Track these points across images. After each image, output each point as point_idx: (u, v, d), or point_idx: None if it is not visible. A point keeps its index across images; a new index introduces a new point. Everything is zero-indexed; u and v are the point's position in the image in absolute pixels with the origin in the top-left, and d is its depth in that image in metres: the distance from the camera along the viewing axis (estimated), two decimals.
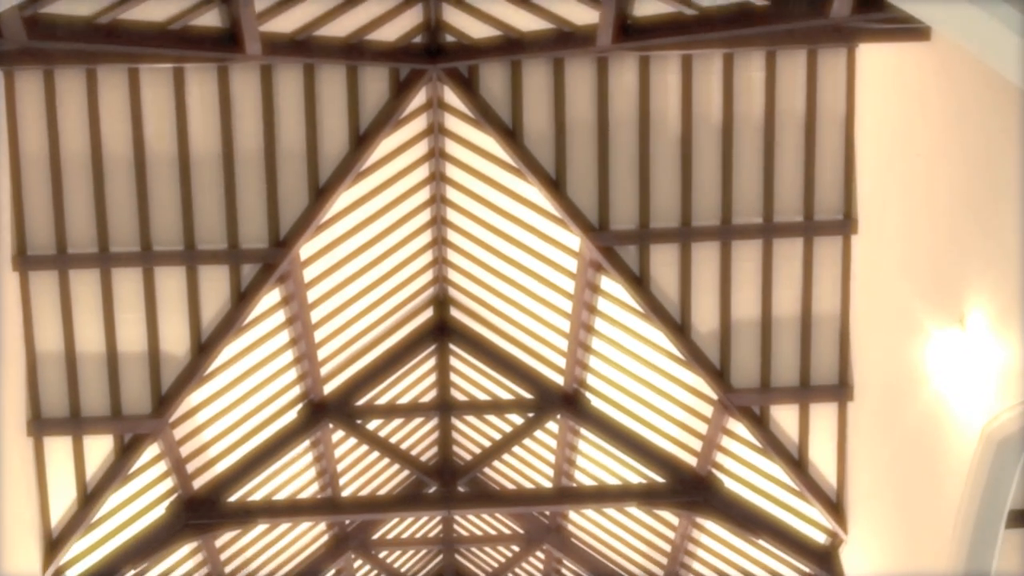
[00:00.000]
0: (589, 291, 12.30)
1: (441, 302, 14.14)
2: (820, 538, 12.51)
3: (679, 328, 11.58)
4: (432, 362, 14.94)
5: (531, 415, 13.97)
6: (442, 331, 14.27)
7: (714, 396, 12.09)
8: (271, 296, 11.85)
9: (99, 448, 11.66)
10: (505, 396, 14.79)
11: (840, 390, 11.54)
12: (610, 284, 12.02)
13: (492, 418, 15.52)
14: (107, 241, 10.86)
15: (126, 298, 11.17)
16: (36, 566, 11.48)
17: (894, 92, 10.04)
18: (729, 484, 13.15)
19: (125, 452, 11.69)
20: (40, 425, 11.29)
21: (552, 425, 14.74)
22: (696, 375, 12.02)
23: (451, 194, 12.71)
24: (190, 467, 12.87)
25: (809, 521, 12.49)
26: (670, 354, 12.26)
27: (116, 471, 11.69)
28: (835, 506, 11.92)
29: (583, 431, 14.41)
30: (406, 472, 16.57)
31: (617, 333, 12.75)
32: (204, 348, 11.41)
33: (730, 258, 11.31)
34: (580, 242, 11.59)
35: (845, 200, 11.03)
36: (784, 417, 11.92)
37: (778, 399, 11.75)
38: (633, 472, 14.37)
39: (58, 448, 11.48)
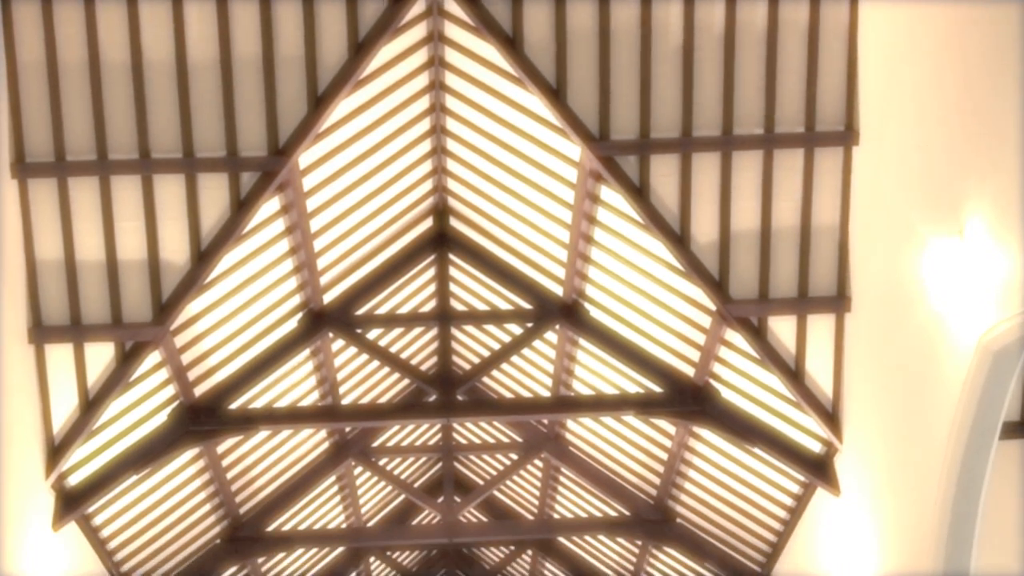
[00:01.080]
0: (589, 201, 12.29)
1: (441, 212, 14.13)
2: (815, 447, 12.64)
3: (679, 239, 11.58)
4: (432, 272, 14.98)
5: (530, 325, 14.03)
6: (442, 241, 14.28)
7: (712, 307, 12.13)
8: (270, 205, 11.83)
9: (100, 355, 11.72)
10: (504, 306, 14.85)
11: (838, 301, 11.57)
12: (610, 194, 12.00)
13: (491, 328, 15.60)
14: (106, 148, 10.81)
15: (125, 206, 11.15)
16: (39, 472, 11.62)
17: (898, 3, 9.93)
18: (726, 394, 13.26)
19: (126, 359, 11.75)
20: (41, 332, 11.34)
21: (551, 335, 14.82)
22: (695, 286, 12.05)
23: (451, 103, 12.63)
24: (191, 375, 12.96)
25: (804, 431, 12.61)
26: (669, 265, 12.28)
27: (117, 378, 11.76)
28: (830, 416, 12.03)
29: (582, 341, 14.49)
30: (406, 381, 16.70)
31: (617, 243, 12.77)
32: (204, 256, 11.42)
33: (731, 169, 11.28)
34: (580, 152, 11.54)
35: (847, 111, 10.97)
36: (782, 328, 11.97)
37: (776, 310, 11.79)
38: (631, 382, 14.49)
39: (59, 355, 11.54)
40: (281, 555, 17.32)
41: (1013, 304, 8.04)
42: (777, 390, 12.51)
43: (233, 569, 16.46)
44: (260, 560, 16.94)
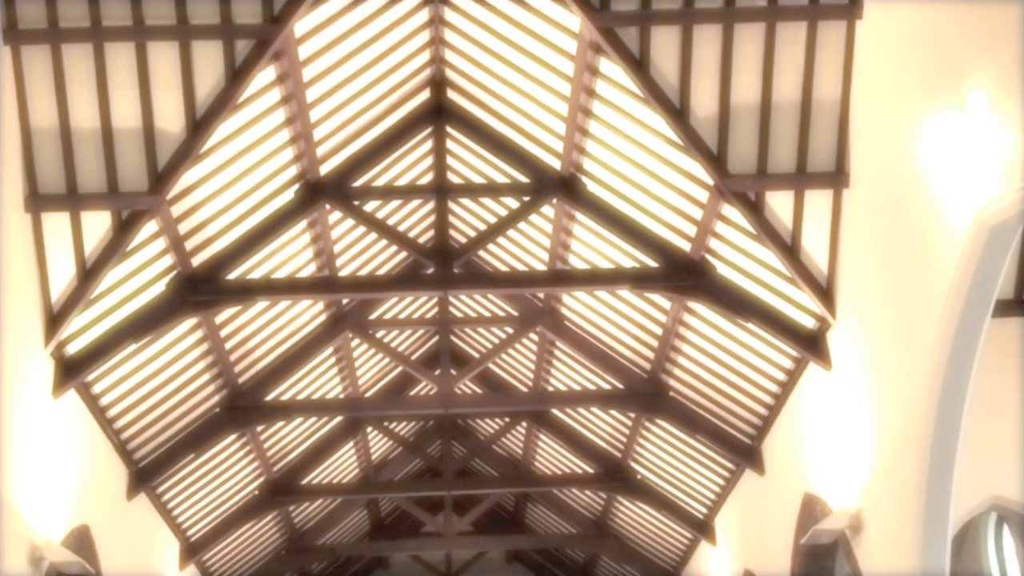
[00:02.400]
0: (588, 74, 12.16)
1: (438, 83, 14.00)
2: (808, 323, 12.74)
3: (677, 112, 11.49)
4: (429, 144, 14.91)
5: (527, 199, 14.01)
6: (439, 113, 14.18)
7: (710, 182, 12.10)
8: (266, 74, 11.71)
9: (97, 224, 11.70)
10: (501, 180, 14.81)
11: (836, 177, 11.53)
12: (609, 67, 11.87)
13: (488, 201, 15.59)
14: (99, 15, 10.64)
15: (119, 74, 11.00)
16: (38, 340, 11.70)
17: None
18: (721, 269, 13.31)
19: (123, 228, 11.73)
20: (37, 201, 11.30)
21: (548, 209, 14.81)
22: (693, 160, 12.00)
23: None
24: (188, 244, 12.97)
25: (798, 306, 12.69)
26: (668, 139, 12.21)
27: (114, 247, 11.76)
28: (825, 292, 12.08)
29: (578, 215, 14.49)
30: (403, 254, 16.73)
31: (615, 117, 12.68)
32: (199, 125, 11.32)
33: (732, 42, 11.13)
34: (580, 23, 11.38)
35: None
36: (779, 203, 11.96)
37: (774, 185, 11.75)
38: (627, 256, 14.53)
39: (56, 224, 11.52)
40: (280, 424, 17.57)
41: (1012, 179, 8.03)
42: (772, 265, 12.56)
43: (232, 437, 16.69)
44: (259, 429, 17.17)
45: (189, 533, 17.78)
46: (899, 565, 10.89)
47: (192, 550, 17.94)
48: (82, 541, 12.99)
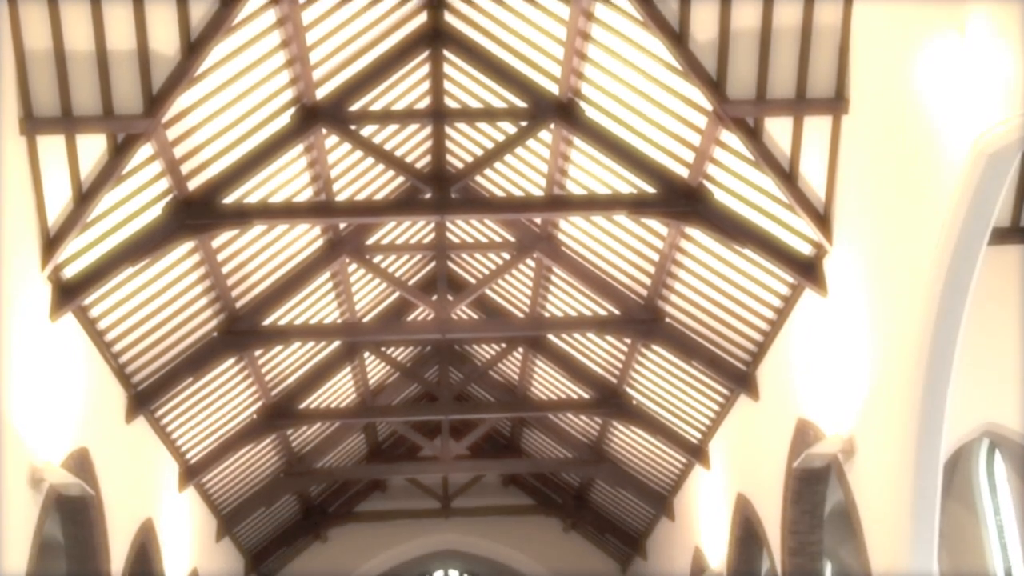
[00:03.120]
0: None
1: (435, 6, 13.85)
2: (805, 249, 12.74)
3: (677, 37, 11.39)
4: (426, 68, 14.79)
5: (525, 124, 13.94)
6: (436, 36, 14.05)
7: (709, 107, 12.04)
8: None
9: (92, 147, 11.65)
10: (499, 104, 14.72)
11: (836, 103, 11.45)
12: None
13: (485, 126, 15.51)
14: None
15: None
16: (35, 263, 11.69)
17: None
18: (719, 195, 13.28)
19: (118, 151, 11.68)
20: (33, 124, 11.22)
21: (545, 134, 14.74)
22: (692, 86, 11.93)
23: None
24: (184, 168, 12.92)
25: (796, 232, 12.68)
26: (667, 64, 12.12)
27: (110, 170, 11.71)
28: (822, 218, 12.08)
29: (576, 140, 14.43)
30: (400, 179, 16.68)
31: (614, 41, 12.57)
32: (194, 47, 11.23)
33: None
34: None
35: None
36: (778, 129, 11.91)
37: (773, 111, 11.68)
38: (624, 182, 14.49)
39: (51, 147, 11.45)
40: (277, 348, 17.63)
41: (1012, 105, 7.99)
42: (770, 192, 12.54)
43: (230, 362, 16.76)
44: (257, 353, 17.23)
45: (188, 456, 17.92)
46: (890, 489, 11.01)
47: (191, 472, 18.09)
48: (81, 463, 13.10)
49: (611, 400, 19.23)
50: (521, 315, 19.68)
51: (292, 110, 13.51)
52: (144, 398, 15.35)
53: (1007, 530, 14.33)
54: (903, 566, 10.90)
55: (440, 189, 13.73)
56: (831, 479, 13.36)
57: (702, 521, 18.96)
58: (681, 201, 13.35)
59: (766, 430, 14.99)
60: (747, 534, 16.28)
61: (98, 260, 12.64)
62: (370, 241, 17.02)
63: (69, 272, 12.43)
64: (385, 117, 14.67)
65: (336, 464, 23.89)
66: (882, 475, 11.27)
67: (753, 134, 11.93)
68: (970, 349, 11.07)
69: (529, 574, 27.48)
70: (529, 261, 17.73)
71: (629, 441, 20.85)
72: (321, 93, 13.62)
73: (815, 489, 13.83)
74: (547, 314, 18.92)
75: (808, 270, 12.68)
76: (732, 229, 13.18)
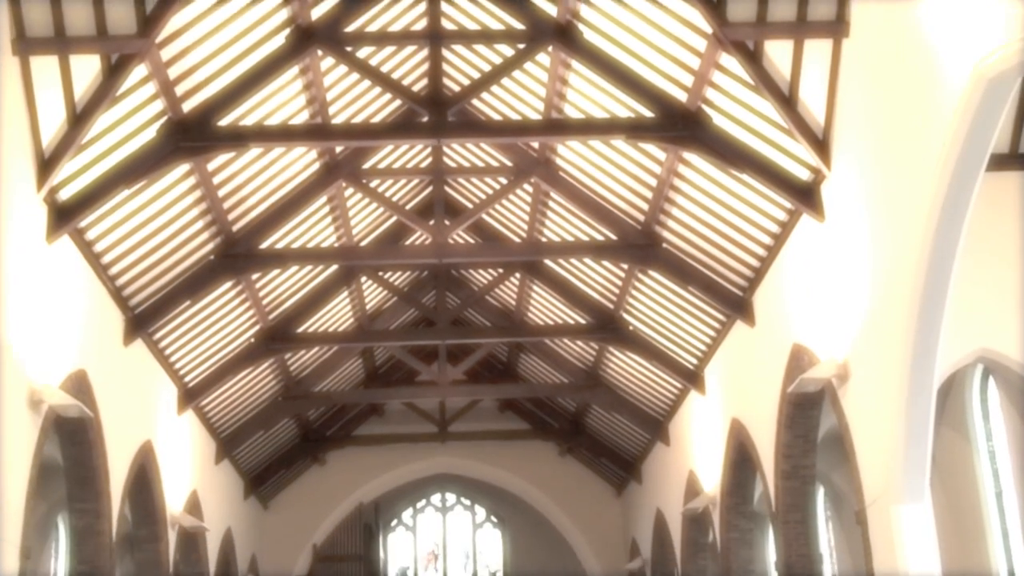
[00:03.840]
0: None
1: None
2: (803, 175, 12.70)
3: None
4: None
5: (522, 46, 13.81)
6: None
7: (708, 30, 11.92)
8: None
9: (86, 68, 11.54)
10: (496, 26, 14.57)
11: (837, 26, 11.32)
12: None
13: (483, 49, 15.37)
14: None
15: None
16: (30, 185, 11.64)
17: None
18: (717, 120, 13.21)
19: (112, 72, 11.58)
20: (25, 45, 11.09)
21: (543, 57, 14.61)
22: (692, 8, 11.79)
23: None
24: (179, 90, 12.82)
25: (794, 158, 12.63)
26: None
27: (104, 91, 11.62)
28: (821, 143, 12.02)
29: (574, 64, 14.31)
30: (397, 103, 16.58)
31: None
32: None
33: None
34: None
35: None
36: (778, 53, 11.80)
37: (773, 34, 11.56)
38: (623, 107, 14.39)
39: (45, 68, 11.35)
40: (275, 272, 17.63)
41: (1012, 30, 7.91)
42: (769, 116, 12.46)
43: (227, 285, 16.76)
44: (254, 277, 17.25)
45: (186, 379, 18.00)
46: (884, 415, 11.08)
47: (189, 396, 18.19)
48: (79, 385, 13.16)
49: (607, 325, 19.29)
50: (518, 240, 19.67)
51: (287, 31, 13.38)
52: (142, 321, 15.39)
53: (999, 456, 14.44)
54: (895, 491, 11.01)
55: (437, 112, 13.64)
56: (825, 404, 13.44)
57: (696, 446, 19.11)
58: (679, 125, 13.27)
59: (761, 356, 15.05)
60: (741, 458, 16.42)
61: (94, 182, 12.59)
62: (367, 165, 16.95)
63: (65, 194, 12.38)
64: (381, 39, 14.53)
65: (334, 388, 24.00)
66: (875, 400, 11.34)
67: (753, 57, 11.83)
68: (966, 275, 11.06)
69: (525, 498, 27.78)
70: (526, 186, 17.68)
71: (625, 366, 20.94)
72: (316, 13, 13.48)
73: (809, 414, 13.92)
74: (544, 239, 18.91)
75: (806, 195, 12.65)
76: (730, 154, 13.12)
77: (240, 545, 22.89)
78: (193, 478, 18.92)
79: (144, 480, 16.11)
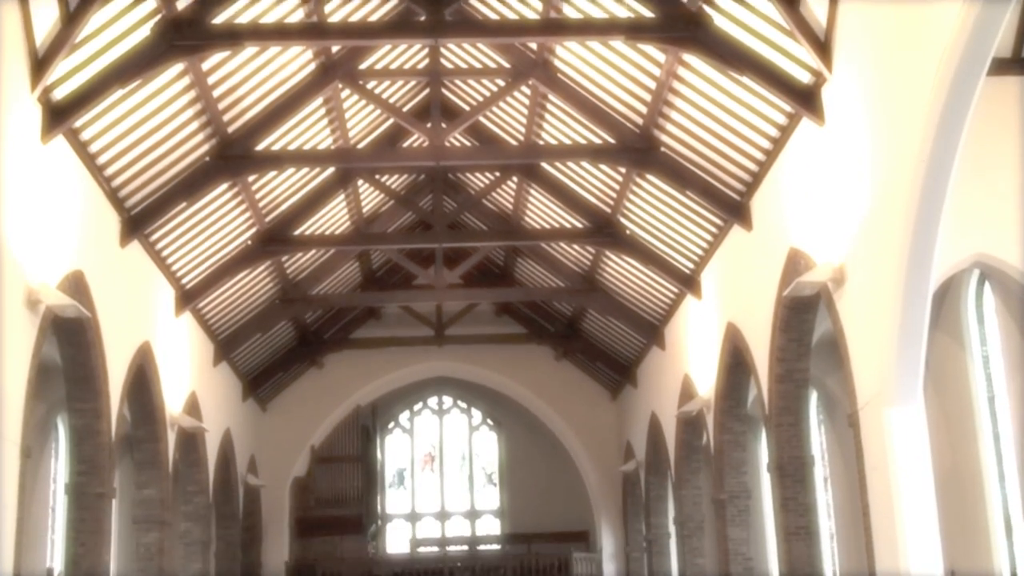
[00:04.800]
0: None
1: None
2: (804, 77, 12.58)
3: None
4: None
5: None
6: None
7: None
8: None
9: None
10: None
11: None
12: None
13: None
14: None
15: None
16: (24, 85, 11.54)
17: None
18: (718, 21, 13.04)
19: None
20: None
21: None
22: None
23: None
24: None
25: (795, 60, 12.50)
26: None
27: None
28: (822, 45, 11.89)
29: None
30: (394, 1, 16.35)
31: None
32: None
33: None
34: None
35: None
36: None
37: None
38: (622, 7, 14.20)
39: None
40: (271, 174, 17.56)
41: None
42: (770, 17, 12.31)
43: (224, 187, 16.71)
44: (250, 179, 17.18)
45: (183, 281, 18.03)
46: (878, 319, 11.13)
47: (187, 297, 18.23)
48: (77, 286, 13.18)
49: (604, 229, 19.27)
50: (515, 143, 19.56)
51: None
52: (138, 222, 15.36)
53: (993, 362, 14.53)
54: (888, 393, 11.11)
55: (434, 11, 13.49)
56: (820, 308, 13.49)
57: (692, 350, 19.22)
58: (679, 26, 13.12)
59: (758, 260, 15.07)
60: (736, 362, 16.53)
61: (88, 82, 12.47)
62: (363, 66, 16.78)
63: (59, 94, 12.27)
64: None
65: (331, 291, 24.05)
66: (871, 304, 11.38)
67: None
68: (965, 180, 11.02)
69: (521, 401, 28.01)
70: (524, 88, 17.53)
71: (622, 271, 20.98)
72: None
73: (803, 318, 13.98)
74: (542, 142, 18.80)
75: (806, 98, 12.55)
76: (730, 56, 12.99)
77: (239, 446, 23.13)
78: (191, 380, 19.05)
79: (143, 381, 16.22)
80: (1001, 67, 12.36)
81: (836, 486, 19.13)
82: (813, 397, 19.57)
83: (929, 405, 11.83)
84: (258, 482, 24.74)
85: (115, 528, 15.70)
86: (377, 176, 19.82)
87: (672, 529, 22.12)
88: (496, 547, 28.38)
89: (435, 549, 28.33)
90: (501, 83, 17.40)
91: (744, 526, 17.23)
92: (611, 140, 16.57)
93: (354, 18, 15.97)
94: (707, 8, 13.02)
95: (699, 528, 20.47)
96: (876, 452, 11.46)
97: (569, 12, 15.11)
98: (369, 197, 21.53)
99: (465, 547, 28.49)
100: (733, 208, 15.66)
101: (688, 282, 18.67)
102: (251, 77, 15.37)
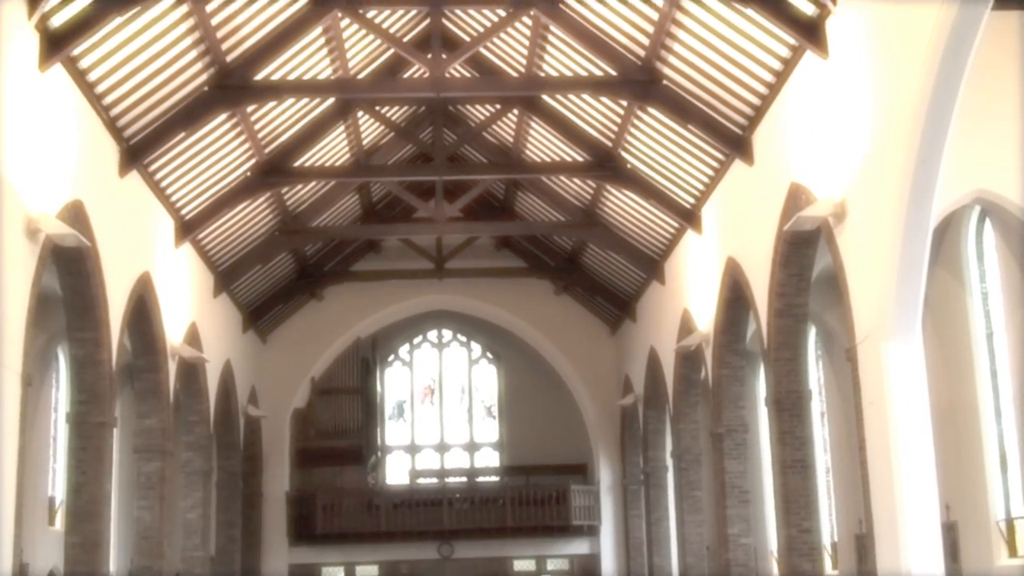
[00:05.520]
0: None
1: None
2: (808, 10, 12.46)
3: None
4: None
5: None
6: None
7: None
8: None
9: None
10: None
11: None
12: None
13: None
14: None
15: None
16: (21, 12, 11.45)
17: None
18: None
19: None
20: None
21: None
22: None
23: None
24: None
25: None
26: None
27: None
28: None
29: None
30: None
31: None
32: None
33: None
34: None
35: None
36: None
37: None
38: None
39: None
40: (270, 104, 17.45)
41: None
42: None
43: (222, 117, 16.61)
44: (249, 109, 17.08)
45: (183, 211, 17.99)
46: (879, 254, 11.12)
47: (186, 228, 18.20)
48: (76, 215, 13.16)
49: (605, 163, 19.20)
50: (516, 75, 19.42)
51: None
52: (137, 152, 15.30)
53: (992, 298, 14.56)
54: (886, 328, 11.13)
55: None
56: (820, 243, 13.48)
57: (691, 284, 19.24)
58: None
59: (759, 194, 15.03)
60: (735, 297, 16.54)
61: (85, 9, 12.36)
62: None
63: (56, 22, 12.16)
64: None
65: (331, 224, 24.01)
66: (871, 239, 11.37)
67: None
68: (967, 116, 10.96)
69: (521, 335, 28.08)
70: (525, 19, 17.36)
71: (622, 205, 20.93)
72: None
73: (804, 252, 13.98)
74: (543, 74, 18.66)
75: (810, 31, 12.44)
76: None
77: (240, 377, 23.23)
78: (192, 310, 19.08)
79: (143, 311, 16.24)
80: (1004, 1, 12.24)
81: (832, 421, 19.27)
82: (812, 332, 19.64)
83: (927, 341, 11.86)
84: (259, 413, 24.89)
85: (116, 457, 15.82)
86: (377, 107, 19.70)
87: (669, 462, 22.29)
88: (495, 479, 28.62)
89: (434, 481, 28.56)
90: (502, 14, 17.23)
91: (741, 459, 17.35)
92: (613, 72, 16.44)
93: None
94: None
95: (696, 461, 20.62)
96: (873, 387, 11.51)
97: None
98: (369, 129, 21.43)
99: (464, 479, 28.72)
100: (735, 142, 15.59)
101: (689, 217, 18.63)
102: (250, 5, 15.21)
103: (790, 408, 14.67)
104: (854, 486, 15.24)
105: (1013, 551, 13.74)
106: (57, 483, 18.03)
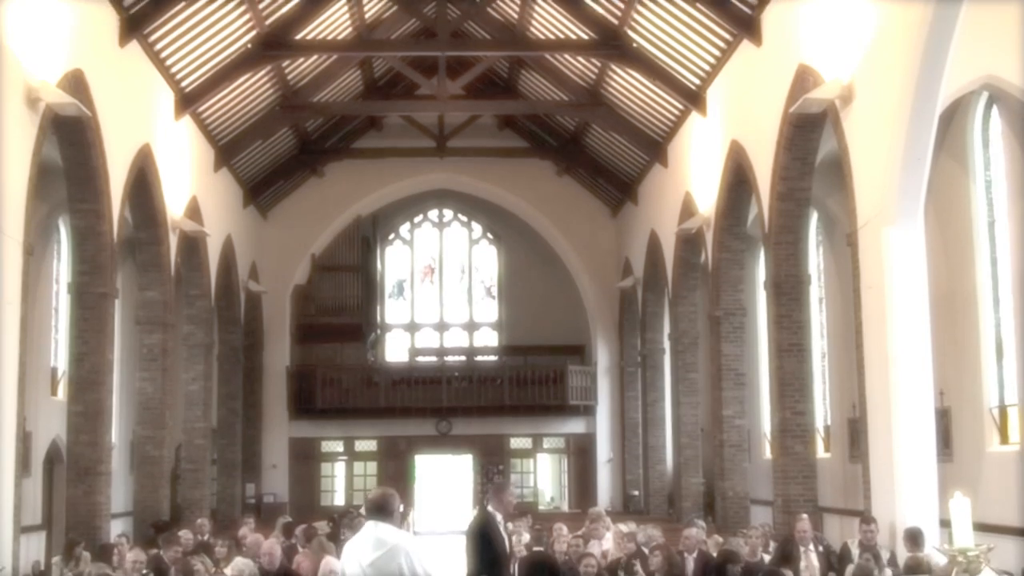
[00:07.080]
0: None
1: None
2: None
3: None
4: None
5: None
6: None
7: None
8: None
9: None
10: None
11: None
12: None
13: None
14: None
15: None
16: None
17: None
18: None
19: None
20: None
21: None
22: None
23: None
24: None
25: None
26: None
27: None
28: None
29: None
30: None
31: None
32: None
33: None
34: None
35: None
36: None
37: None
38: None
39: None
40: None
41: None
42: None
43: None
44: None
45: (183, 83, 17.82)
46: (884, 139, 11.06)
47: (187, 101, 18.05)
48: (76, 85, 13.04)
49: (611, 42, 18.95)
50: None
51: None
52: (137, 21, 15.10)
53: (996, 186, 14.48)
54: (888, 213, 11.11)
55: None
56: (826, 128, 13.38)
57: (694, 167, 19.15)
58: None
59: (766, 76, 14.87)
60: (738, 180, 16.48)
61: None
62: None
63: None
64: None
65: (332, 99, 23.80)
66: (877, 124, 11.29)
67: None
68: (977, 0, 10.80)
69: (521, 215, 28.05)
70: None
71: (627, 85, 20.72)
72: None
73: (809, 136, 13.89)
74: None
75: None
76: None
77: (240, 252, 23.27)
78: (192, 184, 19.02)
79: (144, 183, 16.20)
80: None
81: (830, 306, 19.34)
82: (813, 217, 19.60)
83: (929, 227, 11.85)
84: (259, 288, 24.99)
85: (118, 330, 15.94)
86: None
87: (667, 345, 22.46)
88: (493, 358, 28.85)
89: (433, 359, 28.80)
90: None
91: (738, 342, 17.49)
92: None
93: None
94: None
95: (693, 344, 20.78)
96: (873, 271, 11.54)
97: None
98: (371, 2, 21.10)
99: (463, 357, 28.96)
100: (744, 22, 15.37)
101: (694, 98, 18.46)
102: None
103: (789, 292, 14.74)
104: (849, 371, 15.36)
105: (1005, 438, 13.90)
106: (59, 353, 18.16)
